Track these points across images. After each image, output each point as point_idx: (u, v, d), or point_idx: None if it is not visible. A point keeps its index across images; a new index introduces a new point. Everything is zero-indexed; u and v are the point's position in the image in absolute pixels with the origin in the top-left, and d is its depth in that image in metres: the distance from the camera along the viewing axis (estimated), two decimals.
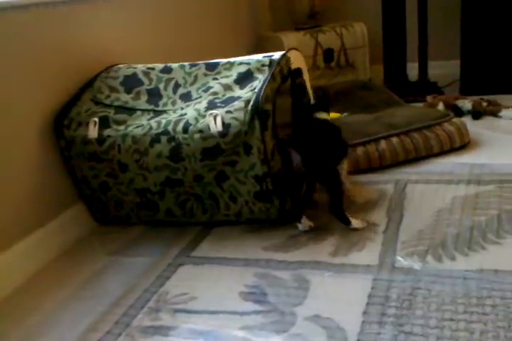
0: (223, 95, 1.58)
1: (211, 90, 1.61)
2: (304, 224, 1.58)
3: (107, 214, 1.76)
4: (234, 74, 1.63)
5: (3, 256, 1.46)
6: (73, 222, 1.73)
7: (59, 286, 1.46)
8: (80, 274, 1.51)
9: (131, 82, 1.74)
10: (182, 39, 2.49)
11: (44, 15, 1.62)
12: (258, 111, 1.47)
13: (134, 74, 1.76)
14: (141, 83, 1.73)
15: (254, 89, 1.54)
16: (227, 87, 1.59)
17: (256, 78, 1.60)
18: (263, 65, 1.63)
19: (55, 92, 1.68)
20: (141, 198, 1.66)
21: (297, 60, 1.76)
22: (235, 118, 1.47)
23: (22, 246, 1.53)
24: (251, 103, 1.49)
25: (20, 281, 1.50)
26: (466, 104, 2.50)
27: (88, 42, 1.83)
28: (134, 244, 1.65)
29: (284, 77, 1.64)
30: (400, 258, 1.37)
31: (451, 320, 1.12)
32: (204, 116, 1.51)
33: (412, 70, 3.03)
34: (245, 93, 1.55)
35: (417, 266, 1.33)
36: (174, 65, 1.75)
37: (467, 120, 2.34)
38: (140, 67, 1.79)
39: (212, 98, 1.58)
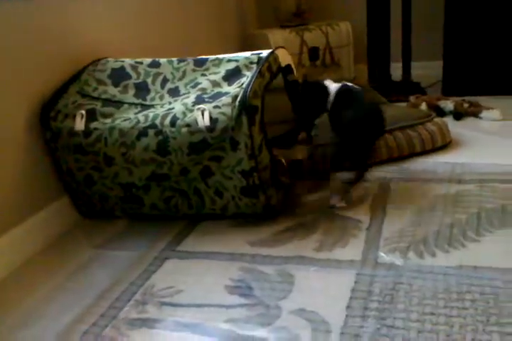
0: (211, 91, 1.59)
1: (199, 86, 1.62)
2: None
3: (91, 207, 1.77)
4: (222, 70, 1.64)
5: None
6: (58, 215, 1.72)
7: (44, 278, 1.46)
8: (65, 267, 1.51)
9: (118, 76, 1.74)
10: (170, 35, 2.49)
11: (32, 6, 1.62)
12: (246, 107, 1.48)
13: (122, 68, 1.76)
14: (129, 77, 1.73)
15: (242, 85, 1.56)
16: (216, 84, 1.61)
17: (244, 75, 1.61)
18: (251, 62, 1.64)
19: (42, 84, 1.68)
20: (125, 192, 1.66)
21: (285, 58, 1.78)
22: (223, 113, 1.49)
23: (7, 239, 1.52)
24: (238, 98, 1.50)
25: (4, 274, 1.49)
26: (448, 104, 2.55)
27: (76, 34, 1.83)
28: (120, 238, 1.66)
29: (273, 74, 1.66)
30: (382, 254, 1.40)
31: (432, 314, 1.15)
32: (192, 111, 1.52)
33: (396, 70, 3.07)
34: (233, 89, 1.56)
35: (399, 261, 1.36)
36: (162, 60, 1.76)
37: (449, 120, 2.39)
38: (128, 60, 1.79)
39: (200, 93, 1.59)
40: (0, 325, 1.27)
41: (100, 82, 1.73)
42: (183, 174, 1.58)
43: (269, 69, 1.64)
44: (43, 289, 1.41)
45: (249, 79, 1.56)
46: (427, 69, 3.19)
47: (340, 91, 1.77)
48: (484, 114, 2.47)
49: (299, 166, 1.91)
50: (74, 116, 1.62)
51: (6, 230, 1.53)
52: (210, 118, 1.48)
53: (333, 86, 1.79)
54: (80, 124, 1.61)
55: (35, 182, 1.65)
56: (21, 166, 1.60)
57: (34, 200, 1.64)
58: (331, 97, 1.77)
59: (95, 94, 1.70)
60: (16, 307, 1.34)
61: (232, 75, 1.62)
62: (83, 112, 1.62)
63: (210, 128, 1.48)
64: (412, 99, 2.67)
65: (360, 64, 3.30)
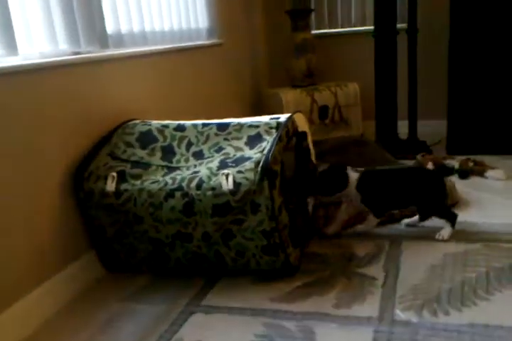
0: (234, 155, 1.71)
1: (223, 151, 1.74)
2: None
3: (117, 262, 1.85)
4: (244, 136, 1.76)
5: (20, 302, 1.54)
6: (85, 269, 1.81)
7: (74, 332, 1.53)
8: (94, 320, 1.58)
9: (146, 139, 1.87)
10: (190, 96, 2.65)
11: (65, 76, 1.76)
12: (267, 172, 1.60)
13: (149, 131, 1.89)
14: (155, 140, 1.86)
15: (263, 150, 1.67)
16: (238, 149, 1.73)
17: (264, 139, 1.73)
18: (271, 128, 1.77)
19: (75, 146, 1.80)
20: (154, 247, 1.76)
21: (302, 124, 1.91)
22: (246, 178, 1.60)
23: (36, 294, 1.60)
24: (260, 164, 1.62)
25: (34, 327, 1.57)
26: (454, 163, 2.66)
27: (104, 99, 1.97)
28: (145, 292, 1.74)
29: (290, 137, 1.79)
30: (398, 311, 1.48)
31: None
32: (216, 175, 1.63)
33: (402, 128, 3.21)
34: (254, 153, 1.68)
35: (414, 319, 1.44)
36: (187, 124, 1.88)
37: (455, 179, 2.50)
38: (154, 123, 1.92)
39: (224, 158, 1.71)
40: None
41: (129, 144, 1.86)
42: (205, 239, 1.67)
43: (287, 134, 1.76)
44: None
45: (269, 144, 1.68)
46: (433, 128, 3.34)
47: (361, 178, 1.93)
48: (489, 173, 2.58)
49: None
50: (105, 178, 1.74)
51: (35, 285, 1.61)
52: (234, 182, 1.60)
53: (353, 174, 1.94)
54: (111, 186, 1.72)
55: (65, 238, 1.75)
56: (53, 224, 1.70)
57: (63, 255, 1.74)
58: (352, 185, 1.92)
59: (124, 157, 1.82)
60: None
61: (253, 140, 1.74)
62: (114, 174, 1.73)
63: (234, 192, 1.59)
64: (418, 157, 2.78)
65: (368, 121, 3.45)
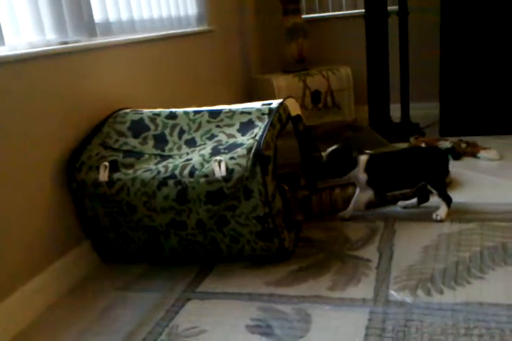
0: (226, 142, 1.71)
1: (215, 138, 1.74)
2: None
3: (112, 252, 1.86)
4: (236, 123, 1.76)
5: (17, 293, 1.55)
6: (80, 259, 1.82)
7: (71, 321, 1.54)
8: (91, 309, 1.59)
9: (138, 127, 1.86)
10: (180, 83, 2.64)
11: (53, 65, 1.74)
12: (259, 158, 1.60)
13: (141, 120, 1.88)
14: (147, 128, 1.85)
15: (255, 136, 1.67)
16: (231, 136, 1.73)
17: (256, 126, 1.73)
18: (263, 114, 1.77)
19: (66, 137, 1.80)
20: (148, 235, 1.76)
21: (294, 108, 1.91)
22: (238, 164, 1.60)
23: (32, 284, 1.61)
24: (253, 150, 1.62)
25: (32, 318, 1.58)
26: (447, 145, 2.66)
27: (94, 88, 1.96)
28: (140, 280, 1.75)
29: (283, 123, 1.78)
30: (393, 292, 1.49)
31: None
32: (209, 162, 1.63)
33: (395, 111, 3.21)
34: (247, 140, 1.68)
35: (408, 299, 1.45)
36: (179, 111, 1.88)
37: None
38: (146, 112, 1.91)
39: (216, 144, 1.71)
40: None
41: (121, 133, 1.85)
42: (199, 227, 1.68)
43: (279, 119, 1.76)
44: (72, 332, 1.49)
45: (261, 130, 1.68)
46: (425, 110, 3.34)
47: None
48: (482, 154, 2.59)
49: (307, 202, 2.02)
50: (98, 168, 1.73)
51: (32, 276, 1.62)
52: (227, 168, 1.60)
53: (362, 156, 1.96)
54: (103, 175, 1.72)
55: (59, 229, 1.75)
56: (47, 214, 1.70)
57: (58, 246, 1.74)
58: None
59: (116, 146, 1.82)
60: None
61: (245, 127, 1.74)
62: (106, 164, 1.73)
63: (227, 178, 1.59)
64: (411, 140, 2.79)
65: (361, 106, 3.45)
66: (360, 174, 1.94)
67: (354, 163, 1.93)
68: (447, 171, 2.05)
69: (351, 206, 2.02)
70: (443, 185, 1.99)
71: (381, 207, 2.12)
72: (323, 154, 1.96)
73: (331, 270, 1.66)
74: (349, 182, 2.05)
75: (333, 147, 1.95)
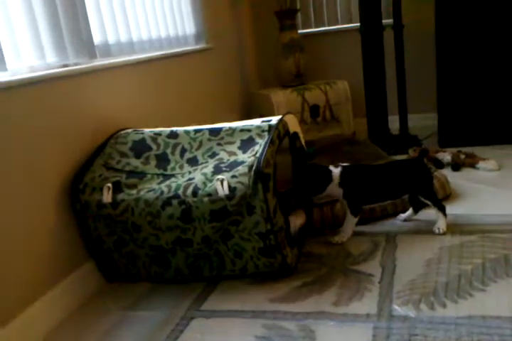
0: (227, 160, 1.73)
1: (217, 156, 1.76)
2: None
3: (117, 271, 1.87)
4: (237, 141, 1.78)
5: (21, 316, 1.55)
6: (84, 280, 1.83)
7: None
8: (95, 330, 1.60)
9: (140, 148, 1.89)
10: (180, 101, 2.67)
11: (54, 89, 1.77)
12: (260, 175, 1.62)
13: (143, 140, 1.90)
14: (149, 148, 1.88)
15: (256, 154, 1.69)
16: (232, 153, 1.75)
17: (257, 143, 1.75)
18: (263, 131, 1.79)
19: (68, 159, 1.82)
20: (155, 252, 1.77)
21: (293, 125, 1.93)
22: (241, 183, 1.62)
23: (37, 305, 1.62)
24: (253, 168, 1.64)
25: (37, 338, 1.59)
26: (446, 156, 2.68)
27: (94, 110, 1.98)
28: (145, 299, 1.76)
29: (281, 139, 1.81)
30: (396, 307, 1.50)
31: None
32: (211, 181, 1.65)
33: (394, 123, 3.24)
34: (248, 157, 1.70)
35: (412, 313, 1.46)
36: (180, 130, 1.90)
37: (447, 172, 2.53)
38: (147, 132, 1.93)
39: (218, 163, 1.73)
40: None
41: (123, 154, 1.88)
42: (204, 242, 1.70)
43: (278, 136, 1.78)
44: None
45: (261, 147, 1.71)
46: (424, 122, 3.37)
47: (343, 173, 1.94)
48: (481, 164, 2.61)
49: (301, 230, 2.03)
50: (101, 189, 1.75)
51: (35, 298, 1.62)
52: (229, 187, 1.62)
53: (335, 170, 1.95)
54: (107, 197, 1.73)
55: (63, 249, 1.77)
56: (52, 235, 1.72)
57: (62, 267, 1.75)
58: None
59: (119, 167, 1.84)
60: None
61: (246, 144, 1.77)
62: (110, 185, 1.75)
63: (230, 197, 1.61)
64: (410, 152, 2.81)
65: (360, 118, 3.47)
66: (336, 189, 1.94)
67: (329, 180, 1.93)
68: (430, 178, 2.02)
69: (348, 231, 2.00)
70: (434, 193, 2.01)
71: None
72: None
73: (334, 285, 1.68)
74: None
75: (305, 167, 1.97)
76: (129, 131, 1.99)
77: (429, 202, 1.97)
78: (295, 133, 1.95)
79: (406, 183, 1.97)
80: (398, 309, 1.49)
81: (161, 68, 2.50)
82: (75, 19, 1.94)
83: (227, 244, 1.71)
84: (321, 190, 1.94)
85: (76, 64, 1.94)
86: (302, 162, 1.99)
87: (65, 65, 1.89)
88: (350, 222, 1.98)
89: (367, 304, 1.54)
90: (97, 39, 2.09)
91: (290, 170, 2.02)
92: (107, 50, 2.17)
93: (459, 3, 2.88)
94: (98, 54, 2.10)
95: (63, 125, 1.80)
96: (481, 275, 1.62)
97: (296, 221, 1.99)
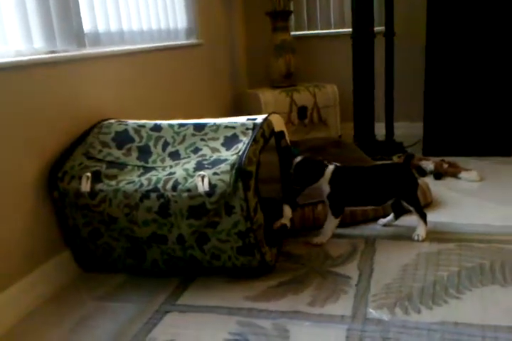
0: (210, 156, 1.72)
1: (200, 152, 1.74)
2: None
3: (93, 261, 1.85)
4: (221, 137, 1.76)
5: None
6: (59, 268, 1.80)
7: (49, 331, 1.52)
8: (68, 319, 1.58)
9: (122, 139, 1.86)
10: (167, 95, 2.65)
11: (40, 74, 1.75)
12: (241, 173, 1.60)
13: (126, 131, 1.88)
14: (132, 140, 1.85)
15: (239, 152, 1.68)
16: (215, 150, 1.73)
17: (241, 140, 1.74)
18: (247, 129, 1.78)
19: (49, 145, 1.79)
20: (131, 244, 1.75)
21: (278, 124, 1.92)
22: (222, 180, 1.61)
23: (10, 292, 1.59)
24: (235, 166, 1.62)
25: (8, 326, 1.56)
26: (429, 165, 2.70)
27: (79, 98, 1.96)
28: (120, 290, 1.74)
29: (266, 139, 1.80)
30: (371, 310, 1.50)
31: None
32: (192, 176, 1.64)
33: (380, 129, 3.25)
34: (231, 155, 1.68)
35: (386, 317, 1.46)
36: (164, 124, 1.88)
37: (429, 180, 2.55)
38: (131, 123, 1.91)
39: (201, 159, 1.71)
40: None
41: (105, 144, 1.85)
42: (179, 242, 1.68)
43: (262, 135, 1.77)
44: None
45: (245, 145, 1.69)
46: (410, 130, 3.39)
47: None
48: (463, 174, 2.63)
49: (284, 229, 2.01)
50: (80, 178, 1.73)
51: (9, 283, 1.60)
52: (210, 184, 1.60)
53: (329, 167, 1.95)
54: (85, 186, 1.71)
55: (38, 237, 1.74)
56: (27, 222, 1.69)
57: (37, 254, 1.73)
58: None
59: (100, 156, 1.81)
60: None
61: (230, 141, 1.75)
62: (89, 174, 1.73)
63: (209, 194, 1.60)
64: (394, 158, 2.82)
65: (346, 122, 3.48)
66: (324, 185, 1.93)
67: (321, 173, 1.92)
68: (417, 185, 2.03)
69: (327, 232, 1.99)
70: (417, 200, 2.01)
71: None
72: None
73: (311, 286, 1.67)
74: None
75: (300, 157, 1.94)
76: (113, 121, 1.97)
77: (411, 208, 1.97)
78: (281, 132, 1.94)
79: (391, 187, 1.97)
80: (373, 312, 1.49)
81: (150, 60, 2.48)
82: (65, 5, 1.91)
83: (204, 248, 1.68)
84: (313, 181, 1.93)
85: (64, 51, 1.92)
86: (288, 161, 1.98)
87: (53, 52, 1.87)
88: (332, 224, 1.97)
89: (342, 306, 1.54)
90: (87, 27, 2.07)
91: (277, 169, 2.01)
92: (96, 38, 2.14)
93: (450, 16, 2.90)
94: (87, 42, 2.07)
95: (46, 111, 1.77)
96: (457, 283, 1.62)
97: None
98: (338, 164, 1.97)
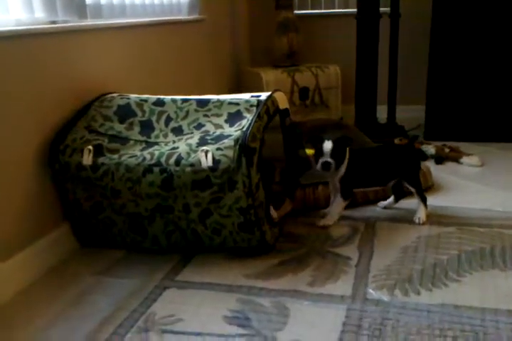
0: (214, 132, 1.70)
1: (203, 128, 1.72)
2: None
3: (92, 236, 1.84)
4: (224, 113, 1.74)
5: None
6: (58, 242, 1.79)
7: (47, 304, 1.52)
8: (67, 292, 1.58)
9: (124, 112, 1.83)
10: (168, 70, 2.61)
11: (40, 44, 1.71)
12: (245, 149, 1.59)
13: (128, 105, 1.85)
14: (134, 114, 1.83)
15: (243, 128, 1.66)
16: (218, 126, 1.71)
17: (244, 117, 1.72)
18: (251, 105, 1.75)
19: (50, 117, 1.77)
20: (131, 221, 1.74)
21: (283, 102, 1.90)
22: (225, 156, 1.59)
23: (9, 265, 1.58)
24: (239, 142, 1.61)
25: (6, 299, 1.55)
26: (430, 149, 2.69)
27: (80, 70, 1.92)
28: (119, 266, 1.73)
29: (271, 116, 1.78)
30: (371, 290, 1.50)
31: None
32: (195, 151, 1.62)
33: (382, 112, 3.23)
34: (234, 131, 1.66)
35: (386, 298, 1.46)
36: (167, 99, 1.86)
37: (430, 164, 2.54)
38: (133, 97, 1.88)
39: (204, 135, 1.69)
40: None
41: (107, 118, 1.83)
42: (185, 211, 1.66)
43: (267, 112, 1.75)
44: (46, 315, 1.47)
45: (249, 122, 1.67)
46: (411, 113, 3.36)
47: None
48: (464, 159, 2.62)
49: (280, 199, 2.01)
50: (82, 151, 1.71)
51: (8, 257, 1.59)
52: (213, 159, 1.59)
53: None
54: (87, 159, 1.69)
55: (39, 210, 1.72)
56: (28, 194, 1.68)
57: (36, 228, 1.71)
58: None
59: (102, 130, 1.79)
60: (20, 332, 1.39)
61: (233, 118, 1.73)
62: (91, 148, 1.71)
63: (213, 169, 1.58)
64: (396, 141, 2.80)
65: (348, 105, 3.46)
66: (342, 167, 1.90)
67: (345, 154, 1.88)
68: (419, 167, 2.04)
69: (334, 215, 1.97)
70: (419, 181, 2.00)
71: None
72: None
73: (311, 266, 1.67)
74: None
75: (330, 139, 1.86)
76: (115, 95, 1.94)
77: (412, 190, 1.96)
78: (286, 110, 1.92)
79: (395, 168, 1.96)
80: (373, 293, 1.49)
81: (152, 35, 2.44)
82: None
83: (206, 222, 1.67)
84: (342, 162, 1.87)
85: (65, 22, 1.88)
86: (293, 139, 1.96)
87: (54, 22, 1.83)
88: (339, 206, 1.96)
89: (342, 286, 1.53)
90: None
91: (280, 149, 1.99)
92: (98, 10, 2.10)
93: None
94: (89, 14, 2.03)
95: (47, 82, 1.74)
96: (457, 266, 1.62)
97: (281, 211, 1.97)
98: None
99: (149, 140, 1.76)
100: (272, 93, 1.85)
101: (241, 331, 1.34)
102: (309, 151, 2.18)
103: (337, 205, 1.97)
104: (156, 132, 1.78)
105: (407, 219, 1.98)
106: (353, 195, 2.00)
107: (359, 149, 1.98)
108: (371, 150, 2.05)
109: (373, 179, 1.99)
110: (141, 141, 1.76)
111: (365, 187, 2.08)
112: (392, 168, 1.96)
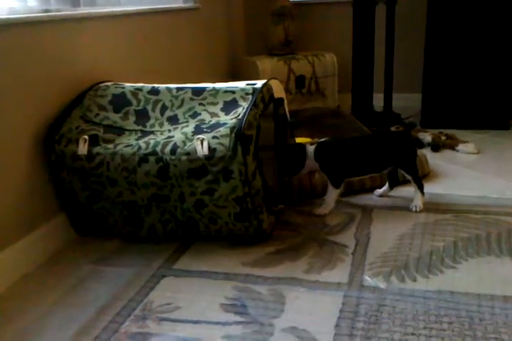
0: (209, 121, 1.69)
1: (198, 117, 1.72)
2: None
3: (89, 226, 1.83)
4: (220, 102, 1.73)
5: None
6: (55, 232, 1.79)
7: (44, 293, 1.52)
8: (64, 282, 1.58)
9: (119, 102, 1.82)
10: (163, 59, 2.60)
11: (33, 33, 1.69)
12: (241, 137, 1.58)
13: (123, 94, 1.84)
14: (129, 103, 1.82)
15: (238, 116, 1.66)
16: (214, 115, 1.71)
17: (240, 105, 1.71)
18: (247, 94, 1.75)
19: (44, 107, 1.75)
20: (128, 211, 1.74)
21: (278, 90, 1.89)
22: (221, 144, 1.59)
23: (6, 254, 1.58)
24: (235, 130, 1.60)
25: (3, 288, 1.55)
26: (427, 137, 2.69)
27: (74, 59, 1.91)
28: (116, 255, 1.73)
29: (266, 103, 1.77)
30: (367, 277, 1.51)
31: (413, 334, 1.25)
32: (191, 140, 1.62)
33: (378, 101, 3.22)
34: (230, 119, 1.66)
35: (382, 285, 1.46)
36: (161, 87, 1.84)
37: (427, 152, 2.54)
38: (128, 86, 1.87)
39: (199, 123, 1.69)
40: (1, 338, 1.33)
41: (102, 107, 1.82)
42: (180, 200, 1.66)
43: (262, 99, 1.74)
44: (43, 304, 1.47)
45: (244, 110, 1.67)
46: (408, 101, 3.36)
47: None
48: (460, 147, 2.62)
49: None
50: (77, 141, 1.70)
51: (5, 246, 1.59)
52: (209, 147, 1.58)
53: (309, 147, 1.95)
54: (83, 149, 1.69)
55: (35, 200, 1.72)
56: (23, 185, 1.67)
57: (33, 217, 1.71)
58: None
59: (97, 120, 1.78)
60: (17, 321, 1.40)
61: (229, 106, 1.72)
62: (86, 137, 1.70)
63: (209, 157, 1.58)
64: (392, 129, 2.80)
65: (344, 93, 3.45)
66: (312, 163, 1.94)
67: (304, 155, 1.93)
68: (416, 154, 2.03)
69: (330, 203, 1.98)
70: (416, 169, 2.00)
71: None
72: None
73: (308, 253, 1.67)
74: None
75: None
76: (109, 84, 1.93)
77: (409, 177, 1.96)
78: (280, 99, 1.91)
79: (390, 155, 1.96)
80: (369, 280, 1.49)
81: (147, 23, 2.42)
82: None
83: (201, 212, 1.67)
84: (302, 166, 1.94)
85: (58, 10, 1.86)
86: (283, 129, 1.96)
87: (47, 11, 1.82)
88: (332, 195, 1.97)
89: (339, 273, 1.54)
90: None
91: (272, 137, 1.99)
92: None
93: None
94: (82, 2, 2.02)
95: (40, 72, 1.72)
96: (453, 253, 1.63)
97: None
98: (322, 140, 1.98)
99: (145, 129, 1.75)
100: (268, 81, 1.84)
101: (238, 318, 1.34)
102: (300, 140, 2.18)
103: (329, 194, 1.97)
104: (151, 121, 1.77)
105: (403, 206, 1.99)
106: (342, 183, 1.98)
107: (349, 138, 2.00)
108: (363, 139, 2.05)
109: (367, 167, 1.99)
110: (136, 131, 1.75)
111: (359, 175, 2.08)
112: (386, 156, 1.96)
